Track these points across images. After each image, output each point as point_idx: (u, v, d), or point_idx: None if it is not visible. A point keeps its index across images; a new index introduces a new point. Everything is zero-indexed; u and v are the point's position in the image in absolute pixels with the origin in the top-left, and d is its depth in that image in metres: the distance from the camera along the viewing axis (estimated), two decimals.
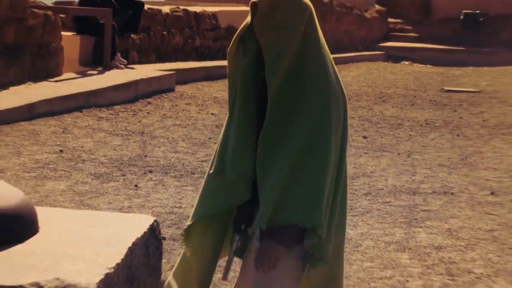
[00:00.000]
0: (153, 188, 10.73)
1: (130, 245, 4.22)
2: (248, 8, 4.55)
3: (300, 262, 4.46)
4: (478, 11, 30.16)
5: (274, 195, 4.24)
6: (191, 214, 4.78)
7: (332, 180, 4.35)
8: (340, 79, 4.55)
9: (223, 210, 4.61)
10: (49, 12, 16.99)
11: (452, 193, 11.21)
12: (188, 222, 4.76)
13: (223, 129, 4.62)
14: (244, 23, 4.44)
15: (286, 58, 4.30)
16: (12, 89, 15.23)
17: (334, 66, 4.61)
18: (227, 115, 4.54)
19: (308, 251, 4.35)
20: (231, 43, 4.50)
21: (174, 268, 4.95)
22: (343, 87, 4.54)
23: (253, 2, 4.47)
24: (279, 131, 4.37)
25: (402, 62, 27.21)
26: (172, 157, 12.73)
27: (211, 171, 4.55)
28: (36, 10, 16.50)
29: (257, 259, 4.35)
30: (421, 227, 9.43)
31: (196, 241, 4.81)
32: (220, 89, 18.64)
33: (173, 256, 7.95)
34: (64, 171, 11.34)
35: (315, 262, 4.37)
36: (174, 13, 21.96)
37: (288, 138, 4.34)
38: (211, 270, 4.88)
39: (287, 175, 4.24)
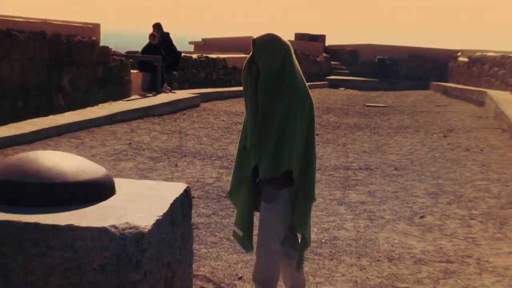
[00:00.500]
0: (186, 166, 12.23)
1: (172, 201, 5.33)
2: (245, 55, 6.22)
3: (286, 204, 5.81)
4: (386, 57, 37.24)
5: (267, 162, 5.78)
6: (230, 182, 6.03)
7: (302, 145, 5.81)
8: (308, 89, 6.01)
9: (247, 175, 5.97)
10: (123, 58, 20.79)
11: (371, 169, 13.00)
12: (230, 186, 6.04)
13: (243, 122, 6.03)
14: (250, 54, 5.89)
15: (271, 74, 5.82)
16: (100, 105, 18.21)
17: (304, 80, 6.03)
18: (245, 113, 5.99)
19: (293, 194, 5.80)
20: (243, 68, 5.93)
21: (234, 220, 6.12)
22: (309, 93, 5.97)
23: (253, 39, 6.25)
24: (267, 118, 5.83)
25: (340, 88, 31.37)
26: (198, 147, 14.25)
27: (240, 147, 6.05)
28: (115, 57, 20.29)
29: (262, 196, 5.86)
30: (352, 190, 11.22)
31: (237, 198, 6.10)
32: (228, 105, 21.23)
33: (199, 208, 9.30)
34: (131, 155, 12.96)
35: (304, 198, 5.78)
36: (200, 58, 26.25)
37: (272, 122, 5.82)
38: (251, 214, 6.12)
39: (272, 149, 5.75)
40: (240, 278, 6.92)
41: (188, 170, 11.81)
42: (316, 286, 6.87)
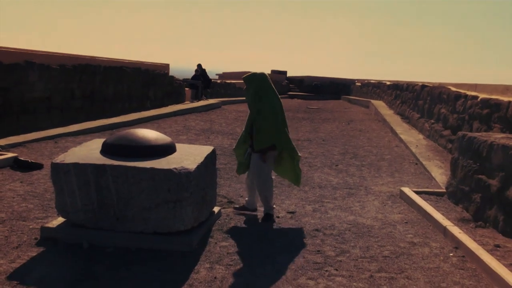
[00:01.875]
0: (214, 138, 12.08)
1: (205, 155, 5.38)
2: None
3: (271, 158, 5.91)
4: (318, 82, 35.86)
5: (258, 140, 5.83)
6: (235, 145, 6.21)
7: (276, 130, 5.86)
8: (280, 100, 6.07)
9: (246, 141, 6.08)
10: (181, 82, 20.37)
11: (310, 140, 12.77)
12: (235, 146, 6.24)
13: (247, 117, 6.18)
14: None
15: (254, 93, 5.89)
16: (169, 107, 17.61)
17: (277, 95, 6.06)
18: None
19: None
20: (244, 89, 6.12)
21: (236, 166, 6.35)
22: (279, 100, 6.03)
23: (243, 77, 6.23)
24: (255, 119, 5.88)
25: (294, 99, 30.60)
26: (220, 128, 14.14)
27: (243, 130, 6.18)
28: (176, 81, 19.87)
29: (261, 157, 5.86)
30: (299, 151, 10.92)
31: (238, 151, 6.21)
32: (236, 107, 20.59)
33: (220, 159, 9.47)
34: (184, 133, 12.74)
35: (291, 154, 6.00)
36: (221, 82, 25.94)
37: (258, 122, 5.84)
38: (246, 162, 6.13)
39: (259, 134, 5.82)
40: (241, 196, 6.90)
41: (215, 140, 11.77)
42: (282, 201, 6.85)
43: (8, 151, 8.47)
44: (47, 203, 6.05)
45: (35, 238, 4.92)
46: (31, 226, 5.24)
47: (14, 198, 6.21)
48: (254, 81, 6.01)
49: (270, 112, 5.89)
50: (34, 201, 6.11)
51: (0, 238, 4.88)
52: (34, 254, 4.57)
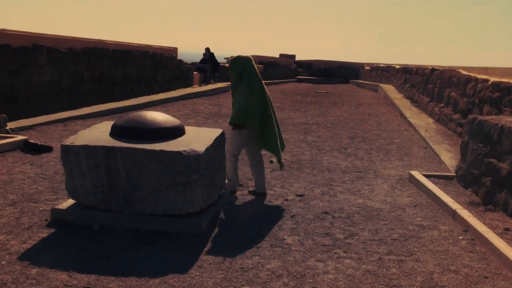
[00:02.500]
0: (222, 121, 12.07)
1: (214, 138, 5.37)
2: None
3: (238, 135, 6.01)
4: (327, 66, 36.10)
5: (233, 114, 5.96)
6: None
7: (250, 109, 5.87)
8: (264, 85, 6.14)
9: None
10: (189, 65, 20.34)
11: (318, 124, 12.75)
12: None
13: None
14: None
15: (236, 76, 6.05)
16: (177, 90, 17.71)
17: (261, 81, 6.09)
18: None
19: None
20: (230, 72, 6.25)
21: None
22: (262, 85, 6.07)
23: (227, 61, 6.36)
24: (235, 98, 6.08)
25: (302, 83, 30.52)
26: (229, 112, 14.36)
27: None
28: (185, 65, 19.84)
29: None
30: (308, 134, 11.10)
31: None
32: None
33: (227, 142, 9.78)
34: (193, 116, 12.78)
35: (266, 140, 6.02)
36: (228, 66, 25.54)
37: (235, 100, 6.04)
38: None
39: (232, 109, 6.03)
40: (250, 179, 6.90)
41: (224, 124, 11.74)
42: (290, 184, 6.85)
43: (18, 134, 8.51)
44: (57, 185, 6.08)
45: (46, 220, 4.95)
46: (41, 208, 5.28)
47: (24, 180, 6.25)
48: (238, 63, 6.09)
49: (247, 91, 5.96)
50: (44, 183, 6.15)
51: (11, 219, 4.92)
52: (45, 235, 4.60)
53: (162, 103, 14.75)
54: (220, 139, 5.65)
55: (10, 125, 9.02)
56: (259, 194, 6.21)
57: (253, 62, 6.18)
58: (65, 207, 5.06)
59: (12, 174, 6.45)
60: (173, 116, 12.66)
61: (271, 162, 8.02)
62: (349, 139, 10.59)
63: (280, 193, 6.34)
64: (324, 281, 4.01)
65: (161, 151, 4.85)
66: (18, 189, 5.85)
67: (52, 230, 4.71)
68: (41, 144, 7.71)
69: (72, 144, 4.97)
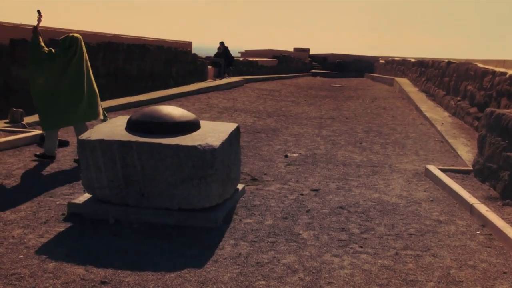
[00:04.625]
0: (237, 116, 12.10)
1: (230, 132, 5.34)
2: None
3: None
4: (341, 60, 35.57)
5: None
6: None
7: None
8: (90, 70, 6.97)
9: None
10: (204, 60, 20.30)
11: (333, 118, 12.71)
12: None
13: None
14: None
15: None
16: (192, 85, 17.54)
17: (89, 66, 6.95)
18: None
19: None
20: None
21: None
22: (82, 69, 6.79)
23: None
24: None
25: (317, 77, 30.15)
26: (242, 106, 14.17)
27: None
28: (199, 59, 19.71)
29: None
30: (323, 129, 11.08)
31: None
32: (258, 84, 20.89)
33: (243, 137, 9.50)
34: (208, 110, 12.74)
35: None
36: (243, 60, 25.14)
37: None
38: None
39: None
40: (265, 174, 6.88)
41: (238, 118, 11.75)
42: (305, 178, 6.82)
43: (35, 128, 8.56)
44: (74, 180, 6.11)
45: (62, 214, 4.97)
46: (58, 202, 5.31)
47: (41, 174, 6.28)
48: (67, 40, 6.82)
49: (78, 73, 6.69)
50: (61, 178, 6.18)
51: (28, 213, 4.95)
52: (62, 229, 4.62)
53: (176, 98, 14.77)
54: (235, 133, 5.62)
55: (27, 119, 9.08)
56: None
57: (81, 41, 7.02)
58: (81, 201, 5.08)
59: (28, 169, 6.50)
60: (188, 110, 12.64)
61: (286, 156, 8.00)
62: (364, 133, 10.52)
63: (295, 188, 6.31)
64: (340, 276, 3.98)
65: (177, 146, 4.84)
66: (35, 184, 5.89)
67: (68, 224, 4.74)
68: (58, 139, 7.74)
69: (89, 138, 4.99)
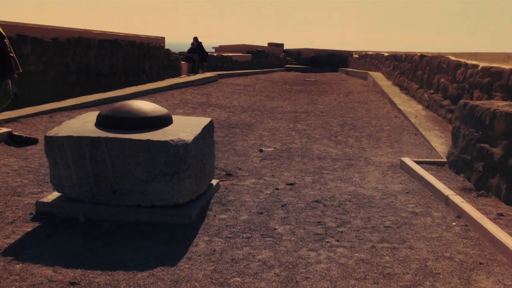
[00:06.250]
0: (211, 111, 11.97)
1: (203, 127, 5.22)
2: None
3: None
4: (315, 55, 35.47)
5: None
6: None
7: None
8: None
9: None
10: (177, 55, 19.93)
11: (308, 112, 12.62)
12: None
13: None
14: None
15: None
16: (165, 80, 17.32)
17: None
18: None
19: None
20: None
21: None
22: None
23: None
24: None
25: (291, 71, 29.84)
26: (217, 102, 14.08)
27: None
28: (173, 54, 19.41)
29: None
30: (298, 123, 10.97)
31: None
32: (233, 80, 20.67)
33: (217, 132, 9.29)
34: (181, 106, 12.45)
35: None
36: (217, 55, 24.67)
37: None
38: None
39: None
40: (240, 169, 6.78)
41: (212, 113, 11.62)
42: (281, 172, 6.74)
43: (3, 126, 8.32)
44: (42, 178, 5.92)
45: (30, 213, 4.81)
46: (26, 201, 5.13)
47: (8, 173, 6.08)
48: None
49: None
50: (29, 176, 5.99)
51: None
52: (29, 229, 4.46)
53: (150, 93, 14.56)
54: (209, 128, 5.52)
55: None
56: None
57: None
58: (50, 200, 4.91)
59: None
60: (162, 106, 12.50)
61: (261, 151, 7.93)
62: (339, 127, 10.49)
63: (270, 182, 6.23)
64: (316, 270, 3.91)
65: (148, 141, 4.71)
66: (1, 183, 5.69)
67: (36, 224, 4.57)
68: (26, 136, 7.54)
69: (56, 135, 4.82)
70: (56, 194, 5.03)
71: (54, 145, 4.78)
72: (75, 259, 3.92)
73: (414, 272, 3.94)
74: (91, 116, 5.45)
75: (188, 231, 4.56)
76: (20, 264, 3.79)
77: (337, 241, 4.48)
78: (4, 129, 7.80)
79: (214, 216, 4.97)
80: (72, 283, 3.57)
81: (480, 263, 4.14)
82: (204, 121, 5.55)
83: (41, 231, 4.43)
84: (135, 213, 4.74)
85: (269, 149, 8.10)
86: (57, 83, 12.31)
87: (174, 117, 5.52)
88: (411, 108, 12.70)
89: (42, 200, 4.91)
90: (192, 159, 4.82)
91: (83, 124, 5.12)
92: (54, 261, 3.87)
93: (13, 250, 4.03)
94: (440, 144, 8.48)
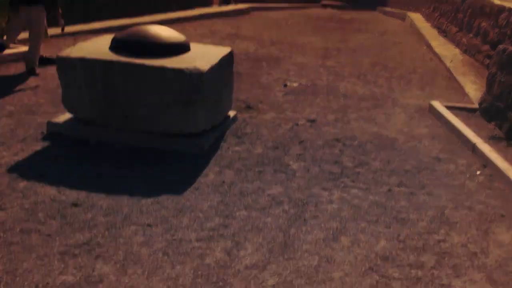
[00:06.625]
0: (239, 43, 11.48)
1: (221, 57, 5.00)
2: None
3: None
4: None
5: None
6: None
7: None
8: None
9: None
10: None
11: (339, 50, 12.11)
12: None
13: None
14: None
15: None
16: (196, 9, 16.91)
17: None
18: None
19: None
20: None
21: None
22: None
23: None
24: None
25: (327, 8, 26.45)
26: (247, 34, 13.57)
27: None
28: None
29: None
30: (328, 60, 10.41)
31: None
32: (268, 14, 19.58)
33: (243, 64, 8.55)
34: (209, 37, 12.30)
35: None
36: None
37: None
38: None
39: None
40: (261, 102, 6.58)
41: (240, 45, 11.24)
42: (303, 108, 6.52)
43: (26, 45, 8.20)
44: (58, 99, 5.75)
45: (42, 133, 4.73)
46: (39, 120, 5.05)
47: (25, 92, 6.00)
48: None
49: None
50: (46, 96, 5.90)
51: (5, 131, 4.71)
52: (39, 148, 4.40)
53: (178, 22, 14.19)
54: (228, 58, 5.27)
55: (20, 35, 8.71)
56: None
57: None
58: (61, 121, 4.82)
59: (13, 85, 6.21)
60: (190, 35, 12.08)
61: (285, 85, 7.69)
62: (370, 66, 10.09)
63: (291, 118, 6.02)
64: (327, 210, 3.77)
65: (162, 68, 4.52)
66: (17, 100, 5.62)
67: (46, 144, 4.50)
68: (46, 57, 7.41)
69: (69, 56, 4.67)
70: (68, 116, 4.93)
71: (67, 66, 4.65)
72: (80, 181, 3.85)
73: (430, 220, 3.77)
74: (107, 39, 5.23)
75: (199, 161, 4.43)
76: (25, 182, 3.74)
77: (353, 181, 4.30)
78: (25, 48, 7.68)
79: (228, 148, 4.82)
80: (75, 204, 3.51)
81: (502, 216, 3.93)
82: (224, 50, 5.31)
83: (50, 151, 4.36)
84: (146, 140, 4.62)
85: (294, 84, 7.84)
86: (84, 5, 12.09)
87: (192, 45, 5.26)
88: (447, 51, 12.15)
89: (53, 120, 4.83)
90: (207, 89, 4.63)
91: (98, 47, 4.93)
92: (59, 181, 3.81)
93: (19, 167, 3.98)
94: (474, 90, 8.09)
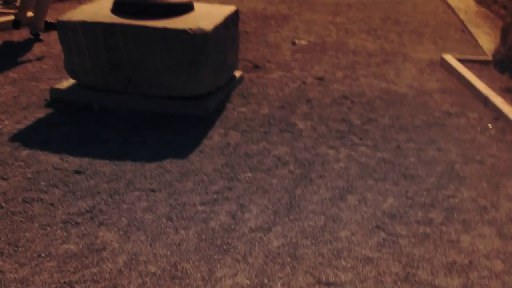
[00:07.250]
0: (247, 2, 11.76)
1: (225, 16, 4.86)
2: None
3: None
4: None
5: None
6: None
7: None
8: None
9: None
10: None
11: (350, 6, 11.49)
12: None
13: None
14: None
15: None
16: None
17: None
18: None
19: None
20: None
21: None
22: None
23: None
24: None
25: None
26: None
27: None
28: None
29: None
30: (338, 16, 9.91)
31: None
32: None
33: (250, 23, 8.36)
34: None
35: None
36: None
37: None
38: None
39: None
40: (268, 61, 6.45)
41: (249, 4, 10.91)
42: (311, 66, 6.38)
43: (29, 11, 8.08)
44: (62, 65, 5.73)
45: (45, 100, 4.68)
46: (42, 87, 4.99)
47: (28, 58, 5.93)
48: None
49: None
50: (49, 62, 5.82)
51: (8, 98, 4.67)
52: (42, 115, 4.35)
53: None
54: (233, 17, 5.12)
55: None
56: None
57: None
58: (64, 87, 4.76)
59: (17, 52, 6.14)
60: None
61: (294, 43, 7.53)
62: (381, 21, 9.83)
63: (298, 76, 5.89)
64: (333, 169, 3.70)
65: (164, 29, 4.42)
66: (20, 67, 5.55)
67: (50, 111, 4.45)
68: (50, 22, 7.30)
69: (70, 19, 4.58)
70: (72, 81, 4.87)
71: (67, 30, 4.56)
72: (84, 148, 3.81)
73: (439, 175, 3.69)
74: (109, 1, 5.11)
75: (203, 123, 4.37)
76: (27, 151, 3.71)
77: (360, 139, 4.21)
78: (30, 13, 7.57)
79: (233, 109, 4.74)
80: (77, 172, 3.48)
81: None
82: (228, 9, 5.15)
83: (53, 118, 4.32)
84: (150, 103, 4.55)
85: (303, 42, 7.67)
86: None
87: (196, 4, 5.13)
88: (461, 3, 11.79)
89: (56, 86, 4.77)
90: (211, 49, 4.52)
91: (99, 9, 4.83)
92: (62, 149, 3.77)
93: (22, 136, 3.95)
94: (487, 41, 7.85)
